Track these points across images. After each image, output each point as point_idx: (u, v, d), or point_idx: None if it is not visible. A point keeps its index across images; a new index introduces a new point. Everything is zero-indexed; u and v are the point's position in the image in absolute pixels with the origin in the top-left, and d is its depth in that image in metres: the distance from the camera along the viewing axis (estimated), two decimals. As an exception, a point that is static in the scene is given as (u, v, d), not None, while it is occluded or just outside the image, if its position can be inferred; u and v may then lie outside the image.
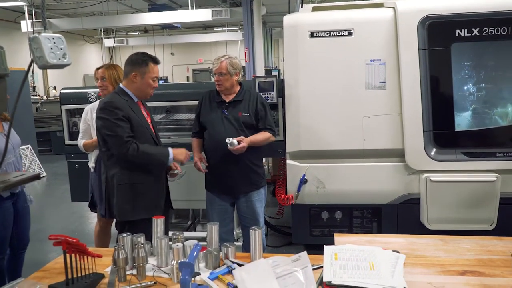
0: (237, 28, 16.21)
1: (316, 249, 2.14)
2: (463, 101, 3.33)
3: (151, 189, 2.65)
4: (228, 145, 2.82)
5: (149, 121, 2.75)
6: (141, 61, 2.63)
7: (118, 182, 2.60)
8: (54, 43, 1.36)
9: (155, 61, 2.69)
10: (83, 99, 3.92)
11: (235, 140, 2.83)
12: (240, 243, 3.55)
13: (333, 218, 3.61)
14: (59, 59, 1.37)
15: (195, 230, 4.47)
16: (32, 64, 1.42)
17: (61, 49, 1.38)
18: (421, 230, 3.33)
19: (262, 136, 3.03)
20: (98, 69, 3.40)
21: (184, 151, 2.77)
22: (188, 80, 19.84)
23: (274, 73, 11.08)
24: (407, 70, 3.27)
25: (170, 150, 2.66)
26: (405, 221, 3.46)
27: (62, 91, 4.08)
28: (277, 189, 3.88)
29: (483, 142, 3.35)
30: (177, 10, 11.81)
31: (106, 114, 2.54)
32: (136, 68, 2.62)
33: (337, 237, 2.19)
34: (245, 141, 2.87)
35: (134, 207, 2.60)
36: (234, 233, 3.57)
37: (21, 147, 3.13)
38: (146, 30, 17.67)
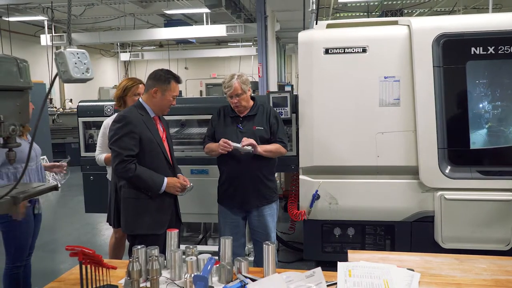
0: (251, 43, 16.39)
1: (327, 265, 2.12)
2: (478, 119, 3.31)
3: (156, 206, 2.66)
4: (238, 148, 2.87)
5: (163, 136, 2.78)
6: (164, 78, 2.68)
7: (124, 196, 2.65)
8: (78, 58, 1.41)
9: (178, 80, 2.75)
10: (100, 112, 3.99)
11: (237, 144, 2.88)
12: (251, 258, 3.54)
13: (346, 234, 3.58)
14: (83, 73, 1.42)
15: (206, 244, 4.46)
16: (56, 78, 1.47)
17: (84, 63, 1.42)
18: (435, 248, 3.28)
19: (273, 146, 3.05)
20: (139, 84, 3.34)
21: (178, 185, 2.70)
22: (201, 94, 20.04)
23: (287, 88, 11.14)
24: (422, 87, 3.27)
25: (165, 181, 2.64)
26: (418, 239, 3.42)
27: (80, 104, 4.16)
28: (289, 204, 3.87)
29: (499, 161, 3.31)
30: (192, 25, 12.02)
31: (116, 127, 2.60)
32: (159, 84, 2.67)
33: (351, 254, 2.17)
34: (257, 145, 2.90)
35: (138, 222, 2.63)
36: (246, 247, 3.56)
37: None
38: (161, 44, 17.98)
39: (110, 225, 3.49)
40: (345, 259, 2.11)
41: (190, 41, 14.20)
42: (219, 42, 18.25)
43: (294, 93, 3.84)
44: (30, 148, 1.58)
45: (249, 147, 2.88)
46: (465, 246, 3.21)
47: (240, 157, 2.96)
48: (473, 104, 3.30)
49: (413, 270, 1.93)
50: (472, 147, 3.28)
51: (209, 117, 3.29)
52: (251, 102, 3.13)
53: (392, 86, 3.36)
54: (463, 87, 3.28)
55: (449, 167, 3.29)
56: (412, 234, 3.44)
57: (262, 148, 2.95)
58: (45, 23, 11.24)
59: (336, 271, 1.93)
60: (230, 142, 2.90)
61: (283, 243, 4.50)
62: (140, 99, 2.76)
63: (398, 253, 2.27)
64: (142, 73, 14.14)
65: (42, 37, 11.34)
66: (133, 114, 2.64)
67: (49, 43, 10.92)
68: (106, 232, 5.30)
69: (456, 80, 3.30)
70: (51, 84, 1.48)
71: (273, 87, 9.26)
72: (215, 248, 3.87)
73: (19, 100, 1.64)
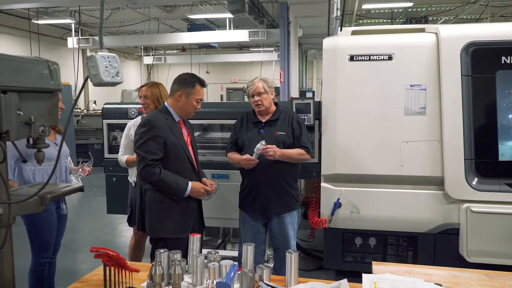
0: (273, 48, 16.40)
1: (348, 275, 2.09)
2: (507, 130, 3.22)
3: (180, 209, 2.67)
4: (256, 150, 2.87)
5: (188, 140, 2.79)
6: (189, 82, 2.70)
7: (149, 199, 2.66)
8: (109, 61, 1.42)
9: (202, 84, 2.76)
10: (124, 114, 4.04)
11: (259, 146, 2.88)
12: (270, 264, 3.51)
13: (367, 244, 3.52)
14: (113, 77, 1.43)
15: (225, 249, 4.45)
16: (86, 81, 1.49)
17: (115, 67, 1.44)
18: (460, 262, 3.18)
19: (295, 151, 3.02)
20: (142, 87, 3.50)
21: (202, 190, 2.71)
22: (222, 99, 20.16)
23: (309, 94, 11.09)
24: (449, 96, 3.20)
25: (189, 185, 2.65)
26: (442, 252, 3.33)
27: (105, 106, 4.23)
28: (310, 211, 3.83)
29: (529, 174, 3.20)
30: (215, 30, 12.11)
31: (141, 131, 2.62)
32: (183, 88, 2.69)
33: (375, 266, 2.12)
34: (278, 150, 2.89)
35: (163, 225, 2.64)
36: (265, 254, 3.54)
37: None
38: (183, 48, 18.17)
39: (130, 226, 3.54)
40: (366, 269, 2.07)
41: (212, 45, 14.31)
42: (241, 47, 18.34)
43: (317, 100, 3.81)
44: (60, 147, 1.60)
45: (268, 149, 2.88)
46: (492, 261, 3.10)
47: (262, 163, 2.95)
48: (502, 115, 3.21)
49: (441, 285, 1.88)
50: (500, 158, 3.19)
51: (231, 122, 3.29)
52: (274, 107, 3.13)
53: (418, 95, 3.30)
54: (492, 97, 3.20)
55: (476, 179, 3.20)
56: (436, 247, 3.35)
57: (282, 153, 2.92)
58: (72, 26, 11.52)
59: (358, 281, 1.90)
60: (252, 157, 2.91)
61: (303, 250, 4.46)
62: (166, 103, 2.78)
63: (424, 266, 2.21)
64: (164, 77, 14.30)
65: (69, 39, 11.63)
66: (157, 118, 2.66)
67: (76, 46, 11.18)
68: (126, 233, 5.35)
69: (485, 90, 3.22)
70: (82, 87, 1.50)
71: (295, 93, 9.23)
72: (234, 253, 3.86)
73: (49, 101, 1.67)
